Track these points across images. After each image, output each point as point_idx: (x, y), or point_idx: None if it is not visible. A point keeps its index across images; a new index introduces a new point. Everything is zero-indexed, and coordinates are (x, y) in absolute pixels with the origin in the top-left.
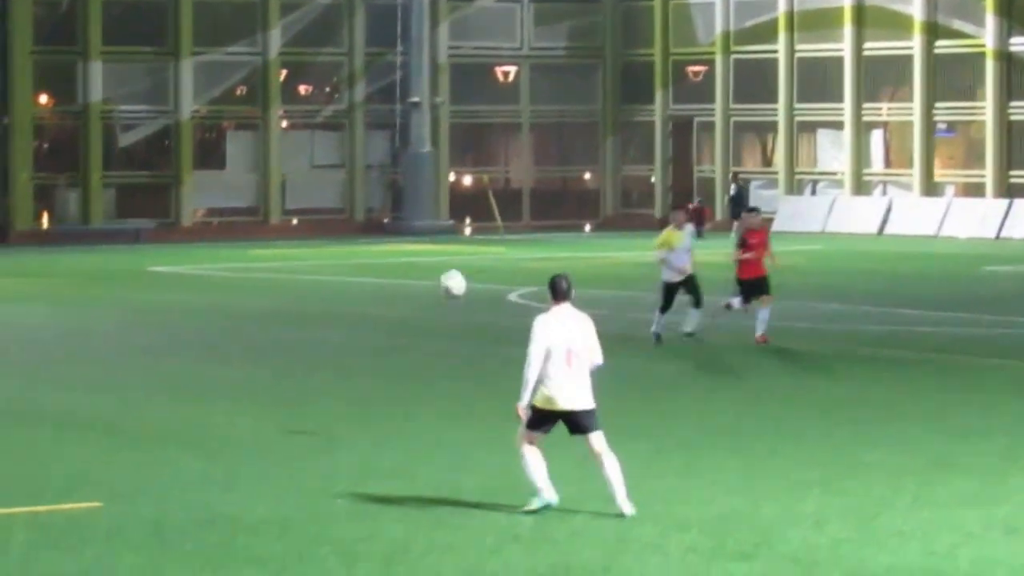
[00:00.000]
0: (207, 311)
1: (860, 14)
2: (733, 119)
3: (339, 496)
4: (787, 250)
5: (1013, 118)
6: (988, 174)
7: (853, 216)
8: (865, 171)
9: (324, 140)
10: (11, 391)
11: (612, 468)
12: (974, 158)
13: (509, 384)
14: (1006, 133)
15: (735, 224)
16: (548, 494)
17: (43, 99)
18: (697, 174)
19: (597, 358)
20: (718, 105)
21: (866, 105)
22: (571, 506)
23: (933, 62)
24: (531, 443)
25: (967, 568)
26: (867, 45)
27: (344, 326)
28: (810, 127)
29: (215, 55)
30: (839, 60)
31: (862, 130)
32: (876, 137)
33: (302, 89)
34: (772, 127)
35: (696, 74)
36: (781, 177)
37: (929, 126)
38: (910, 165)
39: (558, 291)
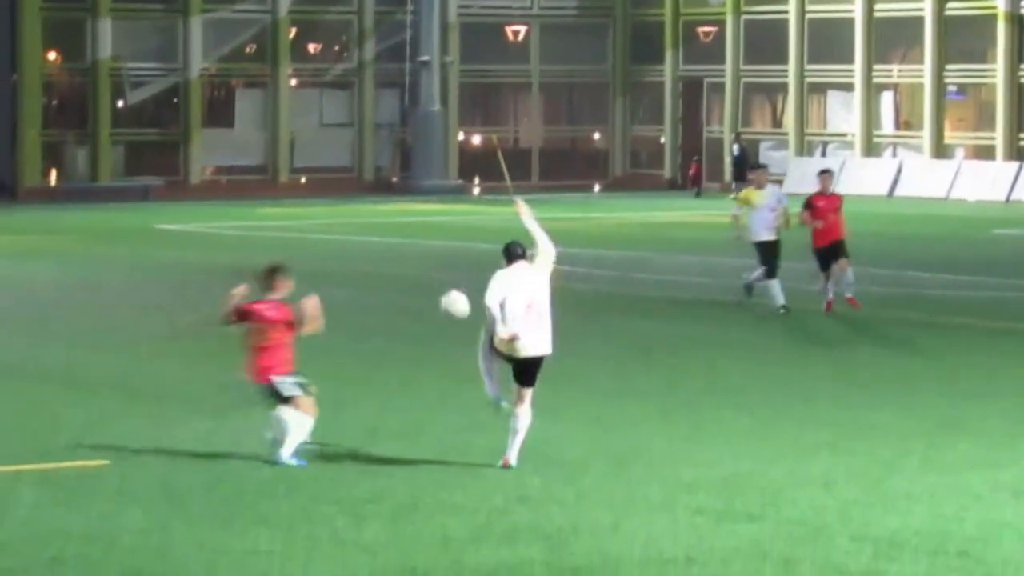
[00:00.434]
0: (215, 269)
1: None
2: (743, 80)
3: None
4: (796, 212)
5: None
6: (998, 137)
7: (863, 178)
8: (875, 133)
9: (333, 99)
10: (19, 348)
11: (525, 422)
12: (984, 121)
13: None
14: (1016, 96)
15: (734, 185)
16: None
17: (52, 56)
18: (706, 135)
19: (549, 248)
20: (728, 66)
21: (877, 67)
22: (579, 468)
23: (944, 24)
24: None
25: (974, 531)
26: (878, 7)
27: (353, 285)
28: (820, 88)
29: (224, 12)
30: (850, 21)
31: (872, 92)
32: (886, 99)
33: (311, 47)
34: (782, 88)
35: (706, 35)
36: (791, 138)
37: (940, 88)
38: (920, 127)
39: (512, 255)
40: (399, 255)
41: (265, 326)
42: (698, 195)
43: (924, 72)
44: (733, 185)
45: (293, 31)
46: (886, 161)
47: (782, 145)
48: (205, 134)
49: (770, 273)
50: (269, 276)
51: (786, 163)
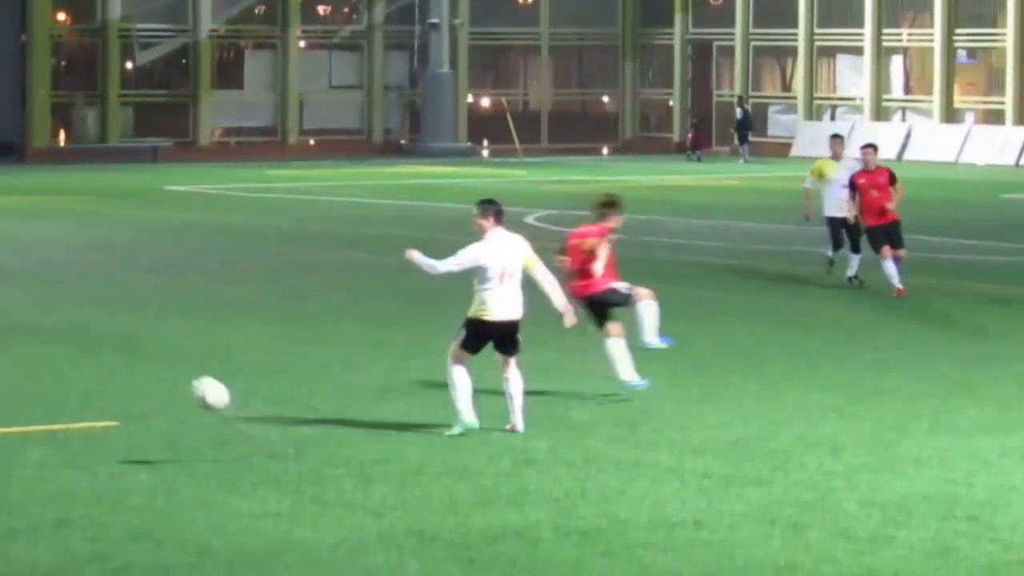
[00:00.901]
0: (223, 230)
1: None
2: (752, 43)
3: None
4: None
5: None
6: (1008, 101)
7: (872, 142)
8: (885, 97)
9: (342, 60)
10: (27, 308)
11: (518, 386)
12: (994, 85)
13: (527, 307)
14: None
15: (741, 148)
16: (468, 417)
17: (61, 16)
18: (716, 98)
19: (546, 274)
20: (738, 29)
21: (886, 31)
22: (586, 431)
23: None
24: (460, 363)
25: (983, 495)
26: None
27: (361, 247)
28: (830, 52)
29: None
30: None
31: (882, 55)
32: (896, 63)
33: (320, 9)
34: (792, 52)
35: None
36: (800, 102)
37: (950, 52)
38: (930, 91)
39: (499, 212)
40: (408, 217)
41: (594, 243)
42: (698, 160)
43: (934, 36)
44: (741, 149)
45: None
46: (895, 125)
47: (791, 109)
48: (214, 95)
49: (839, 247)
50: (604, 207)
51: (795, 127)
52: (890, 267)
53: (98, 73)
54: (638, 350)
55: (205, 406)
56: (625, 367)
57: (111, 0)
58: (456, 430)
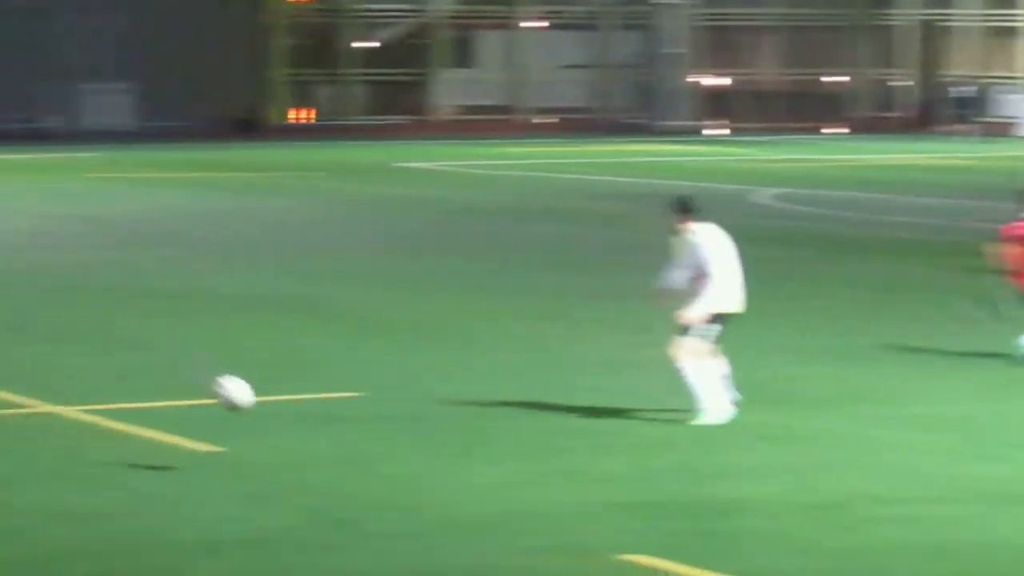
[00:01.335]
0: (452, 206)
1: None
2: (983, 23)
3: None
4: None
5: None
6: None
7: None
8: None
9: (574, 40)
10: (265, 281)
11: (726, 367)
12: None
13: (763, 285)
14: None
15: (972, 127)
16: (723, 408)
17: None
18: (943, 78)
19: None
20: (969, 9)
21: None
22: (820, 406)
23: None
24: (706, 358)
25: None
26: None
27: (588, 223)
28: None
29: None
30: None
31: None
32: None
33: None
34: (1018, 32)
35: None
36: None
37: None
38: None
39: (691, 208)
40: (638, 194)
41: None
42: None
43: None
44: (972, 128)
45: None
46: None
47: (1016, 89)
48: (447, 74)
49: None
50: None
51: (1021, 107)
52: None
53: (335, 52)
54: None
55: (233, 407)
56: None
57: None
58: (712, 419)
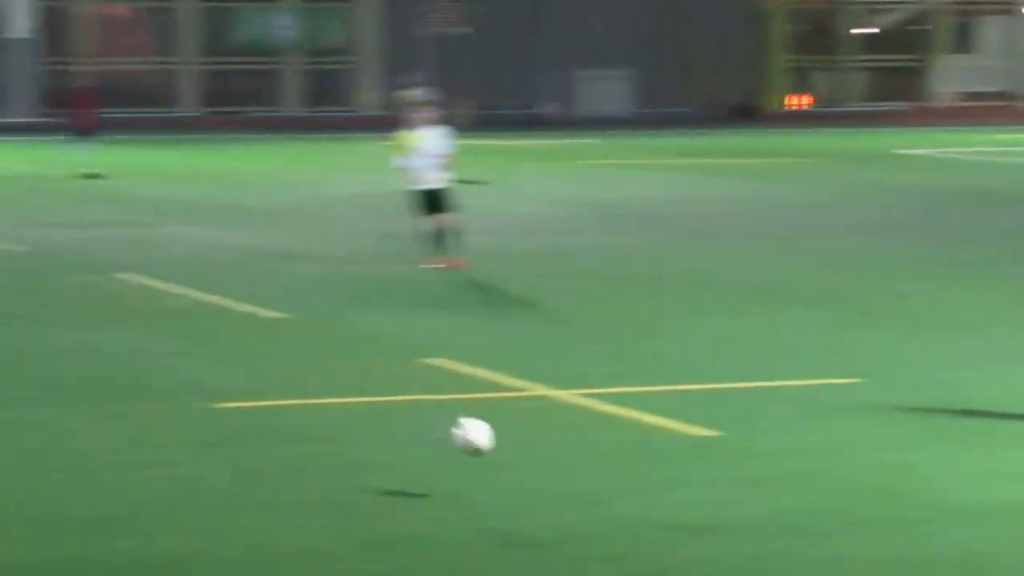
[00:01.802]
0: (951, 193)
1: None
2: None
3: None
4: None
5: None
6: None
7: None
8: None
9: None
10: (769, 269)
11: None
12: None
13: None
14: None
15: None
16: None
17: None
18: None
19: None
20: None
21: None
22: None
23: None
24: None
25: None
26: None
27: None
28: None
29: None
30: None
31: None
32: None
33: None
34: None
35: None
36: None
37: None
38: None
39: None
40: None
41: None
42: None
43: None
44: None
45: None
46: None
47: None
48: (948, 60)
49: None
50: None
51: None
52: None
53: (833, 38)
54: None
55: (476, 452)
56: None
57: None
58: None
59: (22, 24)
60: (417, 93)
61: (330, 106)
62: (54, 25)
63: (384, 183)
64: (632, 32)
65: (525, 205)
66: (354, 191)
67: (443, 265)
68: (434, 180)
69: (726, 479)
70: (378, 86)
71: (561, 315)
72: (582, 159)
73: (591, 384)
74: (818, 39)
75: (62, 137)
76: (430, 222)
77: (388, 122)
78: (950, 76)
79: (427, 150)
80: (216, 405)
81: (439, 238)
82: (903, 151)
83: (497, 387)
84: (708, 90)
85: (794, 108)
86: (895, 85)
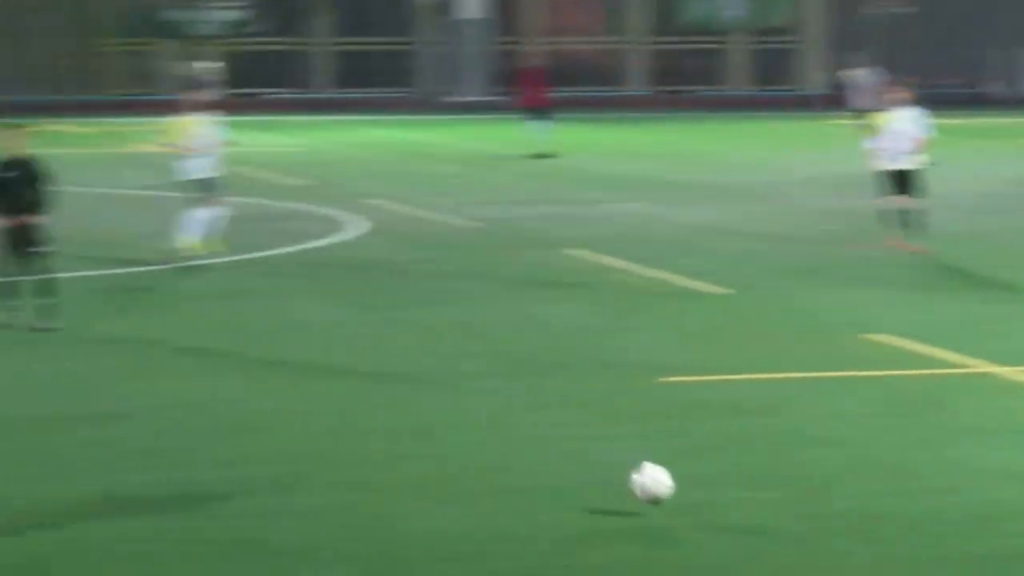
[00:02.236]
0: None
1: None
2: None
3: None
4: None
5: None
6: None
7: None
8: None
9: None
10: None
11: None
12: None
13: None
14: None
15: None
16: None
17: None
18: None
19: None
20: None
21: None
22: None
23: None
24: None
25: None
26: None
27: None
28: None
29: None
30: None
31: None
32: None
33: None
34: None
35: None
36: None
37: None
38: None
39: None
40: None
41: None
42: None
43: None
44: None
45: None
46: None
47: None
48: None
49: None
50: None
51: None
52: None
53: None
54: None
55: (656, 501)
56: None
57: None
58: None
59: (475, 4)
60: (861, 73)
61: (776, 85)
62: (506, 5)
63: (835, 162)
64: None
65: (971, 184)
66: (805, 169)
67: (904, 246)
68: (905, 161)
69: None
70: (824, 66)
71: (1010, 293)
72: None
73: None
74: None
75: (514, 116)
76: (895, 203)
77: (834, 102)
78: None
79: (899, 131)
80: (663, 379)
81: (903, 219)
82: None
83: (939, 363)
84: None
85: None
86: None
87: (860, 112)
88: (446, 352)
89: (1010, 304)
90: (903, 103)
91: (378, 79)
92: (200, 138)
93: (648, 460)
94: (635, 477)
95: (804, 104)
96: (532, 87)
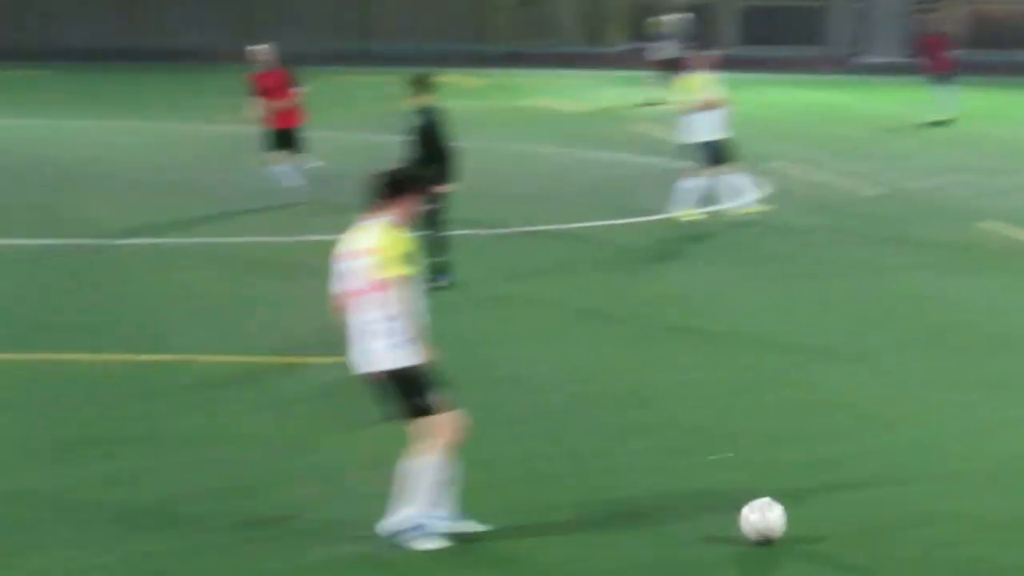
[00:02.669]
0: None
1: None
2: None
3: None
4: None
5: None
6: None
7: None
8: None
9: None
10: None
11: None
12: None
13: None
14: None
15: None
16: None
17: None
18: None
19: None
20: None
21: None
22: None
23: None
24: None
25: None
26: None
27: None
28: None
29: None
30: None
31: None
32: None
33: None
34: None
35: None
36: None
37: None
38: None
39: None
40: None
41: None
42: None
43: None
44: None
45: None
46: None
47: None
48: None
49: None
50: None
51: None
52: None
53: None
54: None
55: (769, 540)
56: None
57: None
58: None
59: None
60: None
61: None
62: None
63: None
64: None
65: None
66: None
67: None
68: None
69: None
70: None
71: None
72: None
73: None
74: None
75: (921, 80)
76: None
77: None
78: None
79: None
80: None
81: None
82: None
83: None
84: None
85: None
86: None
87: None
88: (849, 326)
89: None
90: None
91: (786, 36)
92: (706, 97)
93: None
94: (750, 516)
95: None
96: (935, 52)
